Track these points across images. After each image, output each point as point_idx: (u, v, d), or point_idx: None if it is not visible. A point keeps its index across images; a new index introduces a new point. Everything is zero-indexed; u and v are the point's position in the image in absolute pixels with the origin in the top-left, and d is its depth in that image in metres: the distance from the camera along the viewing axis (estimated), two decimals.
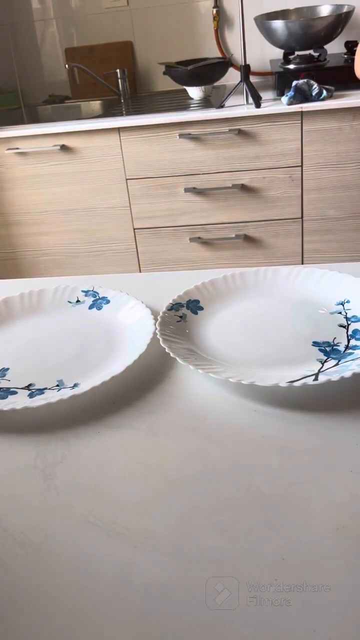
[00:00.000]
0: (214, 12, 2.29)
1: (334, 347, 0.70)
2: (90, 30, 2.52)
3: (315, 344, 0.71)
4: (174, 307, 0.80)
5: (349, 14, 2.00)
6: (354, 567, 0.45)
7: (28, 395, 0.67)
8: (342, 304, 0.78)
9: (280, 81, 2.01)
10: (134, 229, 2.25)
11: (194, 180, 2.12)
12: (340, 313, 0.77)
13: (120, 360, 0.70)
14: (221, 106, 1.98)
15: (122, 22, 2.47)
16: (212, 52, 2.37)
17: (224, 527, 0.49)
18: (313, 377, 0.63)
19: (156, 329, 0.73)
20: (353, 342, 0.71)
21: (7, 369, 0.73)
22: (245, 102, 1.99)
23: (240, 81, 1.98)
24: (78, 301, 0.87)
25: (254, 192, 2.07)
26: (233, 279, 0.86)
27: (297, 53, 2.08)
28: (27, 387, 0.69)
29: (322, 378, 0.62)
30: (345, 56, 2.10)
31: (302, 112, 1.91)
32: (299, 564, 0.45)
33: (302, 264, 2.20)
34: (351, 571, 0.45)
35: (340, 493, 0.51)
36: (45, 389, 0.68)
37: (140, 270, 2.31)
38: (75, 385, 0.68)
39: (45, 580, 0.47)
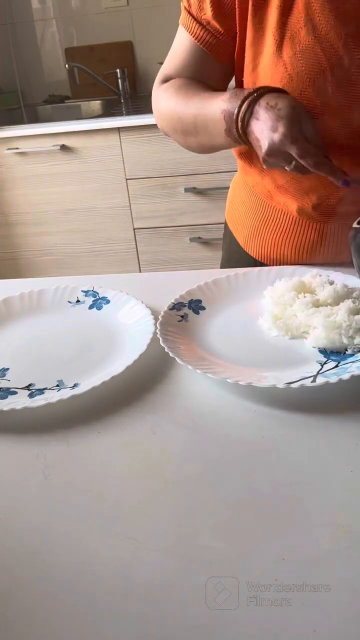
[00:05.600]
0: None
1: None
2: (90, 30, 2.52)
3: None
4: (176, 306, 0.80)
5: None
6: (354, 567, 0.45)
7: (28, 395, 0.67)
8: None
9: None
10: (134, 229, 2.25)
11: (194, 180, 2.12)
12: None
13: (120, 360, 0.70)
14: None
15: (122, 22, 2.48)
16: None
17: (224, 527, 0.49)
18: (311, 379, 0.63)
19: (156, 328, 0.74)
20: None
21: (7, 369, 0.73)
22: None
23: None
24: (78, 301, 0.87)
25: None
26: (236, 278, 0.86)
27: None
28: (27, 387, 0.69)
29: (320, 380, 0.62)
30: None
31: None
32: (299, 564, 0.45)
33: None
34: (351, 571, 0.45)
35: (340, 493, 0.51)
36: (45, 389, 0.68)
37: (140, 270, 2.31)
38: (75, 385, 0.68)
39: (45, 580, 0.47)
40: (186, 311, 0.79)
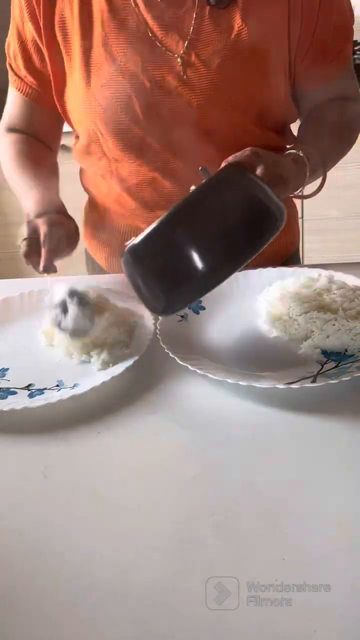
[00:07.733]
0: None
1: None
2: None
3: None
4: None
5: None
6: (354, 567, 0.45)
7: (28, 396, 0.67)
8: None
9: None
10: None
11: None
12: None
13: (120, 360, 0.70)
14: None
15: None
16: None
17: (224, 527, 0.49)
18: (311, 379, 0.63)
19: (157, 328, 0.74)
20: None
21: (7, 369, 0.73)
22: None
23: None
24: None
25: None
26: (236, 279, 0.85)
27: None
28: (27, 387, 0.69)
29: (320, 380, 0.62)
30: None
31: None
32: (299, 564, 0.45)
33: (302, 264, 2.19)
34: (351, 571, 0.45)
35: (340, 493, 0.52)
36: (45, 389, 0.68)
37: None
38: (75, 385, 0.68)
39: (44, 579, 0.47)
40: (186, 311, 0.79)
